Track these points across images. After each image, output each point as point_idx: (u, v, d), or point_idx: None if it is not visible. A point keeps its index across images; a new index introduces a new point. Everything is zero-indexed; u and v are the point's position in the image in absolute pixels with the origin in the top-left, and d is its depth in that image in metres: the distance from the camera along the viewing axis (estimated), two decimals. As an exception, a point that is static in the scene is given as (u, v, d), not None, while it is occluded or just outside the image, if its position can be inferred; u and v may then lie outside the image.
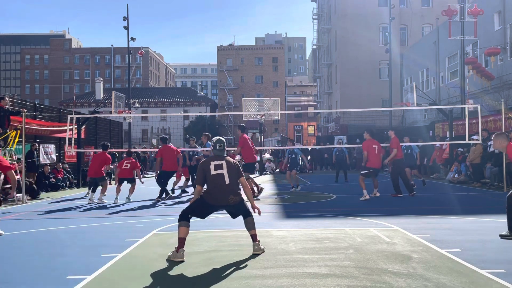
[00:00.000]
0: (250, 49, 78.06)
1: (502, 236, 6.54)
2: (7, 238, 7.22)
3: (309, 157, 29.62)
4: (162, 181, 12.35)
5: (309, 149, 30.66)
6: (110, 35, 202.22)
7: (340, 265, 5.13)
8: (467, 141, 14.43)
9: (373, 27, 43.05)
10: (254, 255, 5.67)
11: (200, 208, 5.89)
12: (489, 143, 15.21)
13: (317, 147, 31.54)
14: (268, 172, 26.16)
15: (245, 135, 12.09)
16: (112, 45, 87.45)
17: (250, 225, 5.95)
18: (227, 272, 4.95)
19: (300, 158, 15.29)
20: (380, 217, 8.59)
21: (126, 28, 30.50)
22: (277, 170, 26.93)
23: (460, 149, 17.56)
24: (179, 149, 13.15)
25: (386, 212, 9.42)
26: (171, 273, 4.98)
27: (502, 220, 8.26)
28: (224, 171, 5.83)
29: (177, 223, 5.75)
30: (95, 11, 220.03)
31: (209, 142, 14.33)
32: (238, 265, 5.23)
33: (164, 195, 12.39)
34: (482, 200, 11.70)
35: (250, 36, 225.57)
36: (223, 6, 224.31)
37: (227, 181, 5.79)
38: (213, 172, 5.82)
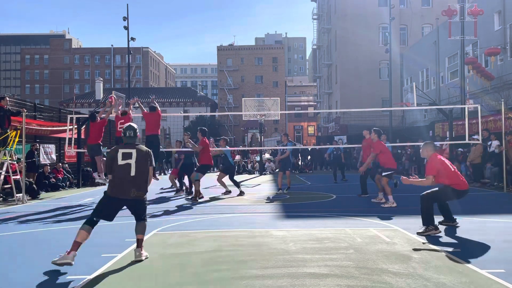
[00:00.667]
0: (250, 49, 78.05)
1: (419, 233, 6.80)
2: (7, 238, 7.23)
3: (309, 157, 29.66)
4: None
5: (309, 149, 30.66)
6: (110, 35, 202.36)
7: (340, 265, 5.13)
8: (467, 141, 14.42)
9: (373, 27, 43.06)
10: (253, 257, 5.67)
11: (105, 206, 5.49)
12: (489, 143, 15.22)
13: (317, 147, 31.53)
14: (268, 172, 26.15)
15: (205, 138, 12.28)
16: (112, 45, 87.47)
17: (139, 230, 5.64)
18: (227, 272, 4.95)
19: (291, 156, 14.17)
20: (380, 217, 8.59)
21: (126, 28, 30.51)
22: (277, 170, 26.88)
23: (460, 149, 17.56)
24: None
25: (386, 212, 9.42)
26: (171, 273, 4.98)
27: (502, 220, 8.27)
28: (132, 161, 5.47)
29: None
30: (95, 11, 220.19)
31: (227, 147, 14.41)
32: (238, 265, 5.23)
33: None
34: (482, 200, 11.70)
35: (250, 36, 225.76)
36: (223, 6, 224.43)
37: (133, 172, 5.43)
38: (120, 161, 5.46)
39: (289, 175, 13.98)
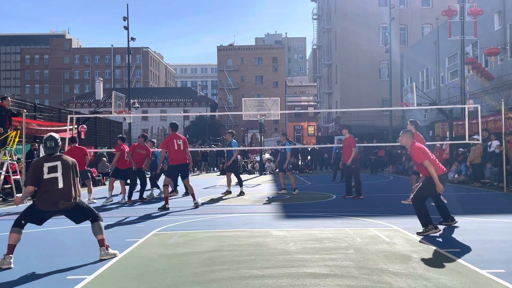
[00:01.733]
0: (250, 49, 78.08)
1: (418, 233, 6.86)
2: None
3: (309, 157, 29.65)
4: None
5: (309, 149, 30.66)
6: (110, 35, 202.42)
7: (340, 265, 5.13)
8: (467, 141, 14.43)
9: (373, 27, 43.05)
10: (253, 257, 5.66)
11: (33, 215, 5.50)
12: (489, 143, 15.22)
13: (317, 146, 31.53)
14: (268, 172, 26.15)
15: (176, 133, 10.79)
16: (112, 45, 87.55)
17: (96, 230, 5.65)
18: (227, 272, 4.95)
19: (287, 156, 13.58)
20: (380, 217, 8.58)
21: (126, 28, 30.50)
22: (277, 170, 26.89)
23: (461, 149, 17.56)
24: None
25: (386, 212, 9.42)
26: (171, 273, 4.98)
27: (502, 220, 8.27)
28: (59, 174, 5.41)
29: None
30: (95, 11, 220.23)
31: (234, 141, 14.10)
32: (238, 265, 5.23)
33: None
34: (482, 200, 11.70)
35: (250, 36, 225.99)
36: (223, 6, 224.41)
37: (60, 185, 5.38)
38: (46, 176, 5.37)
39: (290, 175, 13.79)
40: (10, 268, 5.22)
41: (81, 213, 5.63)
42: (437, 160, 7.24)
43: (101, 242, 5.61)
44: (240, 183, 13.60)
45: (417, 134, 10.31)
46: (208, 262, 5.37)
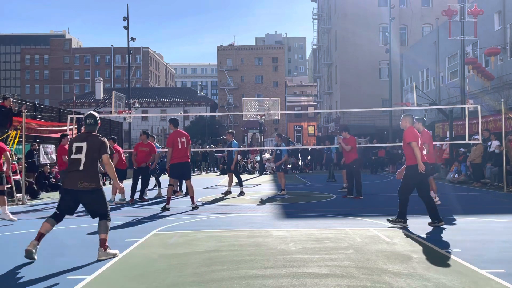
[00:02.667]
0: (250, 49, 78.08)
1: (388, 220, 7.63)
2: (7, 238, 7.23)
3: (309, 157, 29.65)
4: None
5: (309, 149, 30.65)
6: (110, 35, 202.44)
7: (340, 265, 5.13)
8: (467, 141, 14.43)
9: (373, 27, 43.05)
10: (253, 257, 5.66)
11: (62, 200, 5.76)
12: (489, 143, 15.22)
13: (317, 147, 31.53)
14: (268, 172, 26.16)
15: (179, 130, 10.44)
16: (112, 45, 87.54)
17: (101, 228, 5.68)
18: (227, 272, 4.95)
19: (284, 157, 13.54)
20: (380, 217, 8.58)
21: (126, 28, 30.49)
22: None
23: (462, 149, 17.56)
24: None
25: (386, 212, 9.41)
26: (171, 273, 4.98)
27: (502, 220, 8.27)
28: (82, 155, 5.61)
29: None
30: (95, 11, 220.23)
31: (234, 141, 14.04)
32: (238, 265, 5.23)
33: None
34: (482, 200, 11.70)
35: (250, 36, 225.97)
36: (223, 7, 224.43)
37: (81, 167, 5.57)
38: (73, 156, 5.65)
39: (281, 176, 13.64)
40: (33, 257, 5.50)
41: (98, 204, 5.68)
42: (424, 150, 7.72)
43: (102, 242, 5.62)
44: (240, 183, 13.60)
45: (426, 132, 10.24)
46: (208, 262, 5.37)
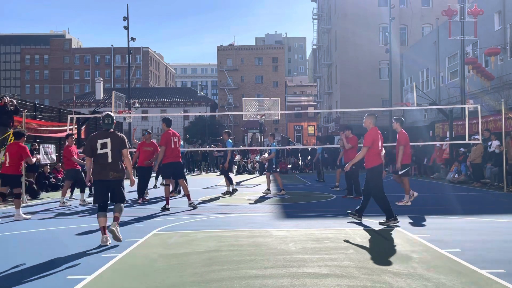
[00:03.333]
0: (250, 49, 78.07)
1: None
2: (7, 238, 7.23)
3: (309, 157, 29.63)
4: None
5: (309, 149, 30.65)
6: (110, 35, 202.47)
7: (340, 265, 5.13)
8: (467, 141, 14.43)
9: (373, 27, 43.04)
10: (253, 257, 5.66)
11: (96, 191, 6.54)
12: (489, 143, 15.22)
13: (317, 147, 31.52)
14: (268, 172, 26.13)
15: (170, 130, 10.28)
16: (112, 45, 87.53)
17: (116, 209, 6.48)
18: (227, 272, 4.95)
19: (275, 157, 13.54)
20: (380, 217, 8.58)
21: (126, 28, 30.49)
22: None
23: (462, 149, 17.55)
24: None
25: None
26: (171, 273, 4.98)
27: (502, 220, 8.27)
28: (108, 150, 6.38)
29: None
30: (95, 11, 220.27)
31: (229, 140, 14.08)
32: (238, 265, 5.23)
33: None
34: (482, 200, 11.70)
35: (250, 36, 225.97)
36: (223, 7, 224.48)
37: (110, 159, 6.37)
38: (99, 151, 6.39)
39: (269, 176, 13.75)
40: (108, 244, 6.29)
41: (121, 192, 6.53)
42: (381, 154, 7.91)
43: (116, 219, 6.41)
44: (230, 182, 13.51)
45: (402, 133, 10.62)
46: (208, 262, 5.37)
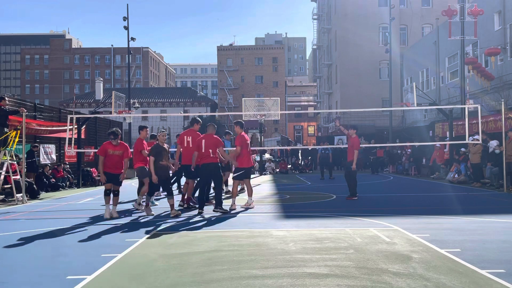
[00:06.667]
0: (250, 49, 78.07)
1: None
2: (7, 238, 7.22)
3: (309, 157, 29.65)
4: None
5: (309, 149, 30.66)
6: (110, 35, 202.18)
7: (340, 265, 5.13)
8: (467, 141, 14.43)
9: (373, 27, 43.03)
10: (253, 257, 5.66)
11: (152, 184, 9.45)
12: (489, 144, 15.21)
13: (317, 147, 31.52)
14: (268, 172, 26.17)
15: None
16: (112, 45, 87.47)
17: (169, 199, 9.13)
18: (227, 272, 4.95)
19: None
20: (380, 217, 8.58)
21: (126, 28, 30.49)
22: (277, 170, 26.96)
23: (462, 149, 17.55)
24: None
25: (386, 212, 9.42)
26: (171, 273, 4.98)
27: (502, 220, 8.28)
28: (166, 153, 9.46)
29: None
30: (95, 11, 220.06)
31: (226, 140, 14.05)
32: (238, 265, 5.23)
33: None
34: (482, 200, 11.70)
35: (250, 36, 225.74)
36: (223, 7, 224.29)
37: (165, 162, 9.40)
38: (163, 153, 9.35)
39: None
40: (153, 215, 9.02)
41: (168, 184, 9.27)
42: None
43: (172, 207, 9.03)
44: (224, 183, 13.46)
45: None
46: (208, 262, 5.37)
